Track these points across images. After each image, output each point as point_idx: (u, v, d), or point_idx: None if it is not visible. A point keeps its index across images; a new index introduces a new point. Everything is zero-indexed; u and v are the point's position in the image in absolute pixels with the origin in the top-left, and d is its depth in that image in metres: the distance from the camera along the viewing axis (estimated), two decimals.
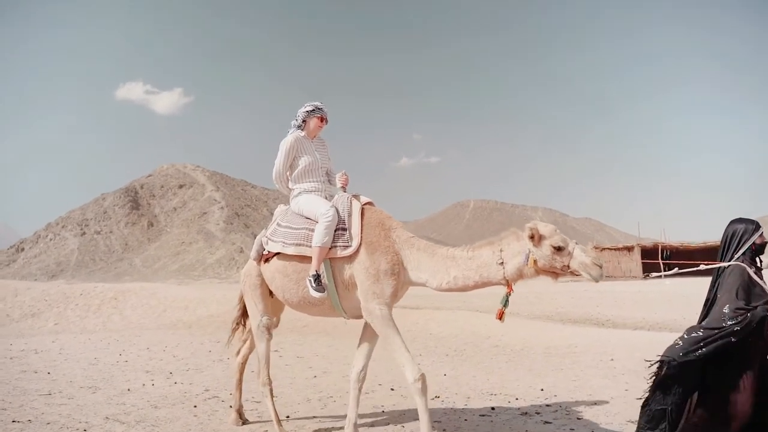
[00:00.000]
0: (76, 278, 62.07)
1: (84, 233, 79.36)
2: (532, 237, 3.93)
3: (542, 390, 6.57)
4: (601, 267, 3.81)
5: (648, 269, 40.48)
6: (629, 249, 42.28)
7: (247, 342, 5.67)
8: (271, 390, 5.01)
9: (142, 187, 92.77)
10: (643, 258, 41.02)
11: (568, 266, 3.86)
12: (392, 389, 6.79)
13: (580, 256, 3.84)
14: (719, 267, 3.62)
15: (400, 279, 4.34)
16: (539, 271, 3.96)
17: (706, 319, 3.46)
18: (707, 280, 3.73)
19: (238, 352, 5.74)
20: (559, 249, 3.86)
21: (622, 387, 6.57)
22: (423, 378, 4.01)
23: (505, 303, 4.07)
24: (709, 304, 3.56)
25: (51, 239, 77.74)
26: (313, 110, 4.96)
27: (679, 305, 17.01)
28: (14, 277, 60.21)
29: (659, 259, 40.07)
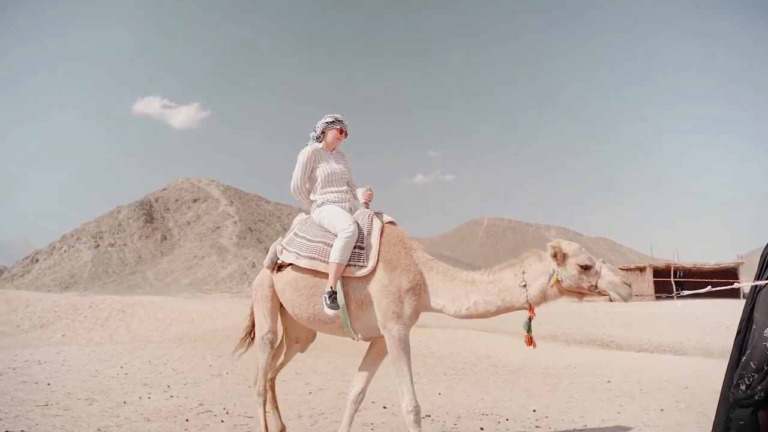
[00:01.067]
0: (88, 290, 62.49)
1: (98, 245, 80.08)
2: (555, 256, 3.79)
3: (534, 411, 6.55)
4: (630, 286, 3.68)
5: (660, 290, 40.17)
6: (641, 269, 42.01)
7: (276, 363, 5.27)
8: (264, 401, 4.95)
9: (156, 201, 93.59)
10: (655, 278, 40.71)
11: (596, 286, 3.72)
12: (384, 407, 6.81)
13: (608, 275, 3.70)
14: (755, 286, 3.53)
15: (421, 299, 4.15)
16: (563, 292, 3.82)
17: (749, 352, 3.35)
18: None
19: (265, 374, 5.25)
20: (585, 268, 3.72)
21: (615, 410, 6.54)
22: (417, 410, 3.93)
23: (528, 328, 3.95)
24: (746, 323, 3.51)
25: (65, 251, 78.51)
26: (333, 122, 4.85)
27: (687, 327, 16.89)
28: (28, 288, 60.84)
29: (671, 280, 39.79)
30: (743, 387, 3.33)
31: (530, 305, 3.85)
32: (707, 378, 8.22)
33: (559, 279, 3.75)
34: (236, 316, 17.08)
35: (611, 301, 3.90)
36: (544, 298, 3.83)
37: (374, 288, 4.13)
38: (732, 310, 23.71)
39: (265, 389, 4.94)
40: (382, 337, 4.25)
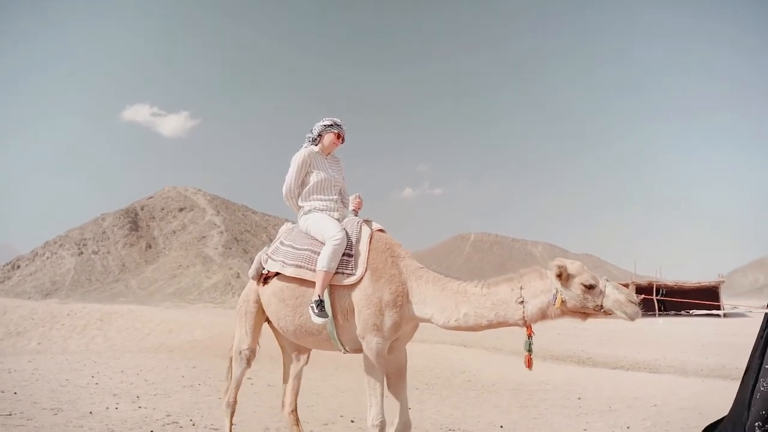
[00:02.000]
0: (70, 298, 61.82)
1: (81, 253, 79.27)
2: (559, 275, 3.62)
3: (501, 427, 6.58)
4: (636, 304, 3.56)
5: (642, 307, 40.38)
6: (624, 286, 42.13)
7: (288, 389, 4.91)
8: (232, 413, 4.81)
9: (142, 209, 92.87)
10: (637, 295, 40.91)
11: (601, 306, 3.57)
12: (352, 421, 6.81)
13: (613, 294, 3.58)
14: None
15: (403, 312, 3.97)
16: (567, 313, 3.65)
17: (760, 400, 3.35)
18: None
19: (283, 405, 4.97)
20: (589, 287, 3.57)
21: (582, 427, 6.58)
22: (382, 425, 3.83)
23: (529, 347, 3.78)
24: (764, 342, 3.52)
25: (48, 257, 77.63)
26: (331, 125, 4.69)
27: (664, 345, 16.99)
28: (8, 295, 59.98)
29: (653, 298, 40.03)
30: None
31: (525, 322, 3.68)
32: (676, 396, 8.29)
33: (564, 299, 3.59)
34: (215, 326, 17.01)
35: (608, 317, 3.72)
36: (543, 316, 3.67)
37: (357, 296, 4.00)
38: (709, 329, 23.96)
39: (234, 401, 4.81)
40: (392, 352, 4.14)
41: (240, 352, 4.70)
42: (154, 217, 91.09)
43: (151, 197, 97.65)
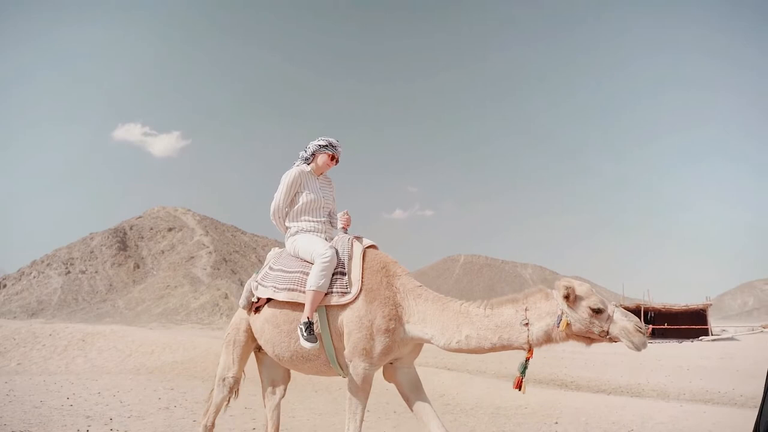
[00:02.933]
0: (56, 318, 61.31)
1: (69, 272, 78.76)
2: (567, 297, 3.47)
3: None
4: (644, 333, 3.39)
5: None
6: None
7: (269, 424, 4.75)
8: None
9: (131, 228, 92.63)
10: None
11: (608, 332, 3.42)
12: None
13: (621, 321, 3.41)
14: None
15: (395, 336, 3.81)
16: (571, 336, 3.50)
17: None
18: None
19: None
20: (597, 312, 3.42)
21: None
22: None
23: (524, 371, 3.61)
24: None
25: (35, 277, 77.05)
26: (326, 146, 4.51)
27: (648, 369, 16.98)
28: None
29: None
30: None
31: (530, 346, 3.54)
32: (654, 420, 8.29)
33: (569, 322, 3.44)
34: (196, 347, 16.89)
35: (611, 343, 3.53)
36: (548, 339, 3.53)
37: (348, 317, 3.85)
38: (695, 353, 23.99)
39: (212, 425, 4.65)
40: (401, 370, 4.02)
41: (224, 379, 4.59)
42: (142, 237, 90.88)
43: (140, 217, 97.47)
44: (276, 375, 4.78)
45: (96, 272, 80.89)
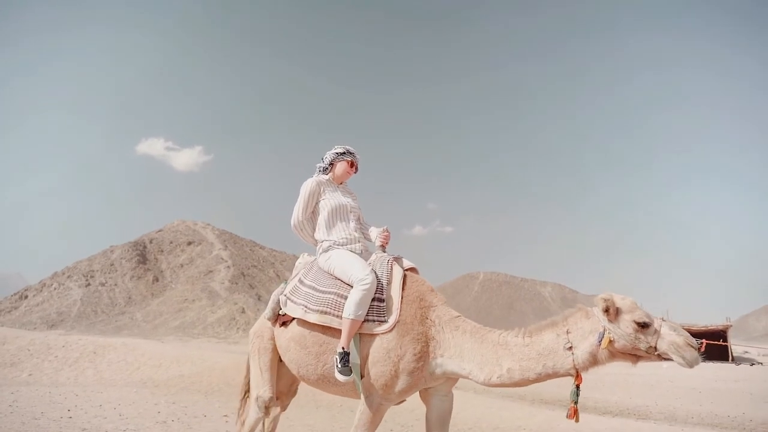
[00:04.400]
0: (75, 329, 61.91)
1: (89, 284, 79.54)
2: (607, 311, 3.24)
3: None
4: (696, 349, 3.14)
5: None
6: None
7: (269, 426, 4.53)
8: None
9: (151, 242, 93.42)
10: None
11: (655, 348, 3.15)
12: None
13: (669, 335, 3.15)
14: None
15: (421, 376, 3.55)
16: (616, 354, 3.23)
17: None
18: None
19: None
20: (643, 326, 3.17)
21: None
22: None
23: (576, 397, 3.36)
24: None
25: (55, 288, 77.91)
26: (344, 153, 4.33)
27: (660, 391, 16.71)
28: (14, 325, 60.18)
29: None
30: None
31: (577, 371, 3.27)
32: None
33: (612, 339, 3.19)
34: (204, 361, 16.96)
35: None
36: (594, 361, 3.25)
37: (377, 347, 3.59)
38: (710, 375, 23.52)
39: None
40: (435, 396, 3.78)
41: (257, 399, 4.20)
42: (162, 251, 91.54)
43: (160, 230, 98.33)
44: (281, 387, 4.51)
45: (115, 285, 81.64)
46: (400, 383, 3.49)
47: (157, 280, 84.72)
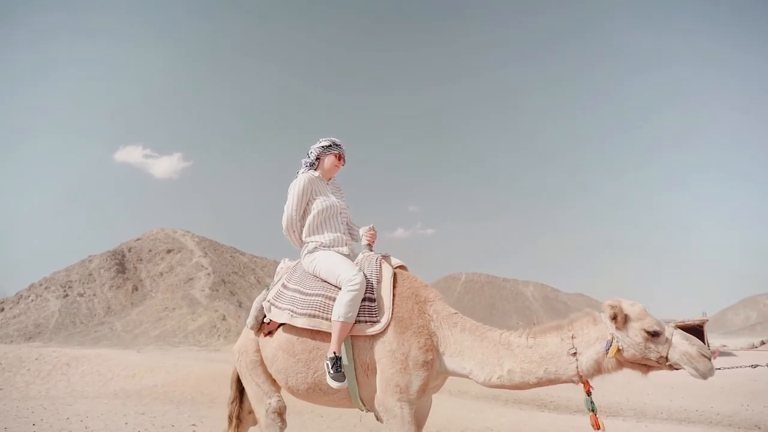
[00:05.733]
0: (53, 341, 61.13)
1: (67, 295, 78.58)
2: (614, 318, 3.07)
3: None
4: (710, 359, 3.00)
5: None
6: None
7: None
8: None
9: (129, 251, 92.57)
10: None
11: (666, 357, 3.01)
12: None
13: (681, 345, 3.00)
14: None
15: (433, 369, 3.38)
16: (624, 364, 3.10)
17: None
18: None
19: None
20: (653, 335, 3.02)
21: None
22: None
23: (592, 406, 3.24)
24: None
25: (32, 300, 76.86)
26: (330, 146, 4.09)
27: (631, 387, 16.86)
28: None
29: None
30: None
31: (581, 378, 3.15)
32: None
33: (620, 347, 3.04)
34: (179, 370, 16.87)
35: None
36: (599, 369, 3.12)
37: (380, 351, 3.39)
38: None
39: None
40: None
41: (267, 412, 3.84)
42: (141, 259, 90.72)
43: (138, 239, 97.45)
44: (247, 407, 4.31)
45: (94, 295, 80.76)
46: (415, 380, 3.28)
47: (137, 289, 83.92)
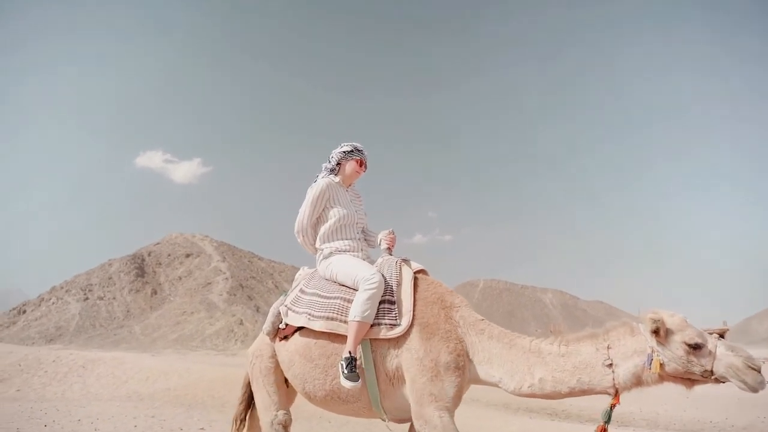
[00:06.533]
0: (73, 344, 61.92)
1: (87, 298, 79.55)
2: (656, 332, 2.89)
3: None
4: (758, 371, 2.76)
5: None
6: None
7: None
8: None
9: (149, 255, 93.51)
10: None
11: (711, 371, 2.80)
12: None
13: (726, 357, 2.80)
14: None
15: (465, 375, 3.24)
16: (667, 378, 2.90)
17: None
18: None
19: None
20: (695, 347, 2.83)
21: None
22: None
23: (608, 418, 3.05)
24: None
25: (54, 303, 77.92)
26: (351, 151, 3.97)
27: (646, 397, 16.68)
28: (12, 340, 60.24)
29: None
30: None
31: (616, 390, 2.97)
32: None
33: (662, 362, 2.86)
34: (191, 374, 17.01)
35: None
36: (638, 382, 2.95)
37: (407, 360, 3.24)
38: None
39: None
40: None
41: (271, 423, 3.73)
42: (160, 263, 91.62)
43: (158, 243, 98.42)
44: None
45: (114, 298, 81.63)
46: (448, 386, 3.14)
47: (156, 293, 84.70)
